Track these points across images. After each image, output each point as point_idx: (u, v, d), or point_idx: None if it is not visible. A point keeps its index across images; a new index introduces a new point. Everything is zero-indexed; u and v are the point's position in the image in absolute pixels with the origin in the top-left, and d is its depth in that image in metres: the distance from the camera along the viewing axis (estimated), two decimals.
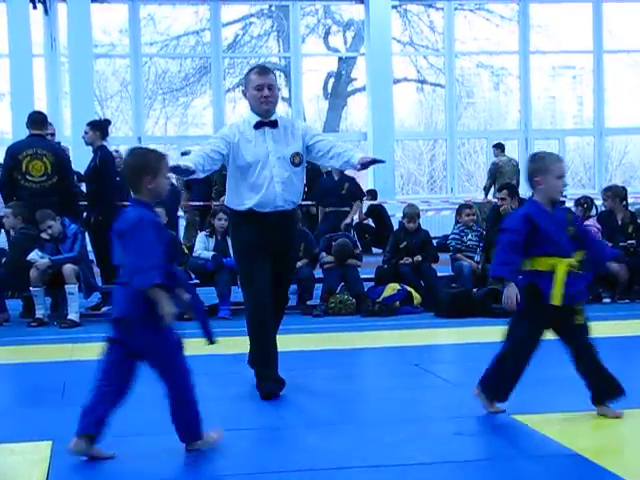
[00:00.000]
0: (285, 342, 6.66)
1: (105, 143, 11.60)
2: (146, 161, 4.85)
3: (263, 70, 6.55)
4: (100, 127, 11.56)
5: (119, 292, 4.80)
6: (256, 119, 6.48)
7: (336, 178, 13.61)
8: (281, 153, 6.42)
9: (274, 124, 6.48)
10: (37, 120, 11.20)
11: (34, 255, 10.46)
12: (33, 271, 10.36)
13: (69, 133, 20.55)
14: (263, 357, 6.41)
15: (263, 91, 6.40)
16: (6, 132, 20.92)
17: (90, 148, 11.60)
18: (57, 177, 10.91)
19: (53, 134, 11.72)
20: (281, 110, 24.12)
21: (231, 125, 6.67)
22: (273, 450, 5.08)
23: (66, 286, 10.37)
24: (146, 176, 4.78)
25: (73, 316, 10.29)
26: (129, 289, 4.67)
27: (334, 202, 13.51)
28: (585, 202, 12.62)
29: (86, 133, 11.56)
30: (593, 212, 12.59)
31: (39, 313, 10.43)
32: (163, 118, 24.89)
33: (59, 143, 12.34)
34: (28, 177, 10.84)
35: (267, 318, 6.38)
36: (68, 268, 10.37)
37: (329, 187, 13.68)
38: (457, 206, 12.95)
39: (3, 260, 10.93)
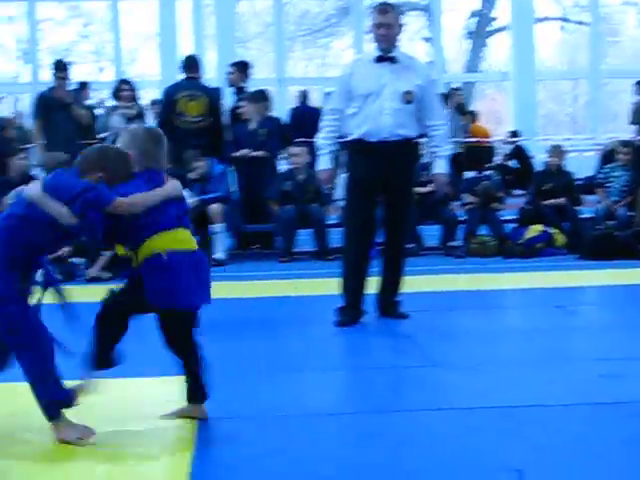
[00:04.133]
0: (428, 282, 6.70)
1: (244, 85, 11.73)
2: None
3: (382, 9, 6.84)
4: (245, 68, 11.70)
5: None
6: (377, 53, 6.84)
7: None
8: (395, 87, 6.73)
9: (393, 60, 6.80)
10: (189, 64, 11.33)
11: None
12: None
13: (213, 75, 20.78)
14: (350, 288, 6.81)
15: (380, 30, 6.78)
16: (155, 74, 21.27)
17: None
18: (212, 118, 11.06)
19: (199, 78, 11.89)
20: (421, 50, 23.96)
21: (352, 63, 7.18)
22: (407, 389, 5.10)
23: (212, 225, 10.57)
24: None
25: (219, 255, 10.40)
26: None
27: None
28: None
29: (232, 74, 11.69)
30: None
31: None
32: (304, 59, 24.94)
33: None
34: (183, 118, 10.94)
35: (361, 262, 6.80)
36: (214, 207, 10.57)
37: None
38: (601, 147, 12.67)
39: None
